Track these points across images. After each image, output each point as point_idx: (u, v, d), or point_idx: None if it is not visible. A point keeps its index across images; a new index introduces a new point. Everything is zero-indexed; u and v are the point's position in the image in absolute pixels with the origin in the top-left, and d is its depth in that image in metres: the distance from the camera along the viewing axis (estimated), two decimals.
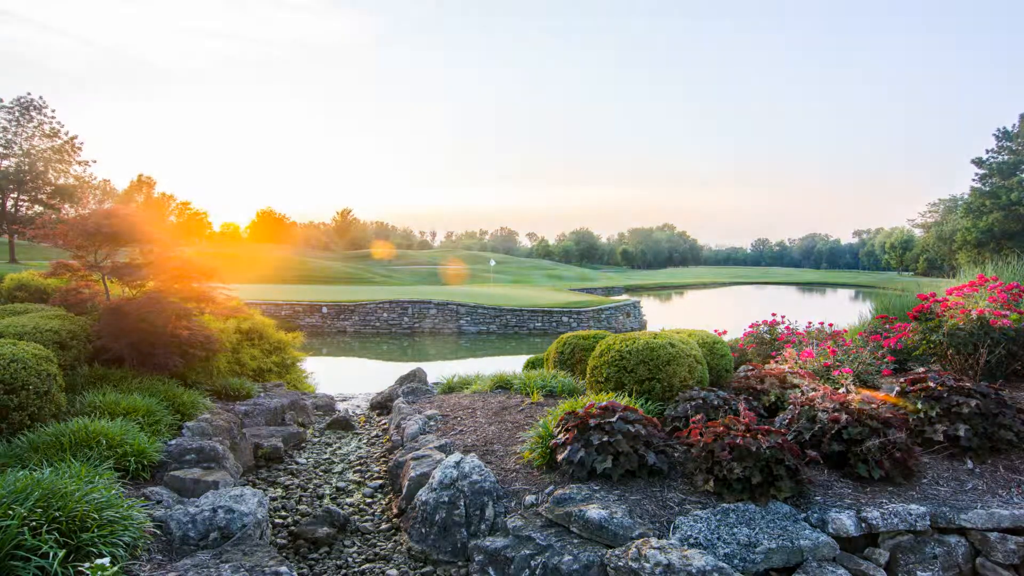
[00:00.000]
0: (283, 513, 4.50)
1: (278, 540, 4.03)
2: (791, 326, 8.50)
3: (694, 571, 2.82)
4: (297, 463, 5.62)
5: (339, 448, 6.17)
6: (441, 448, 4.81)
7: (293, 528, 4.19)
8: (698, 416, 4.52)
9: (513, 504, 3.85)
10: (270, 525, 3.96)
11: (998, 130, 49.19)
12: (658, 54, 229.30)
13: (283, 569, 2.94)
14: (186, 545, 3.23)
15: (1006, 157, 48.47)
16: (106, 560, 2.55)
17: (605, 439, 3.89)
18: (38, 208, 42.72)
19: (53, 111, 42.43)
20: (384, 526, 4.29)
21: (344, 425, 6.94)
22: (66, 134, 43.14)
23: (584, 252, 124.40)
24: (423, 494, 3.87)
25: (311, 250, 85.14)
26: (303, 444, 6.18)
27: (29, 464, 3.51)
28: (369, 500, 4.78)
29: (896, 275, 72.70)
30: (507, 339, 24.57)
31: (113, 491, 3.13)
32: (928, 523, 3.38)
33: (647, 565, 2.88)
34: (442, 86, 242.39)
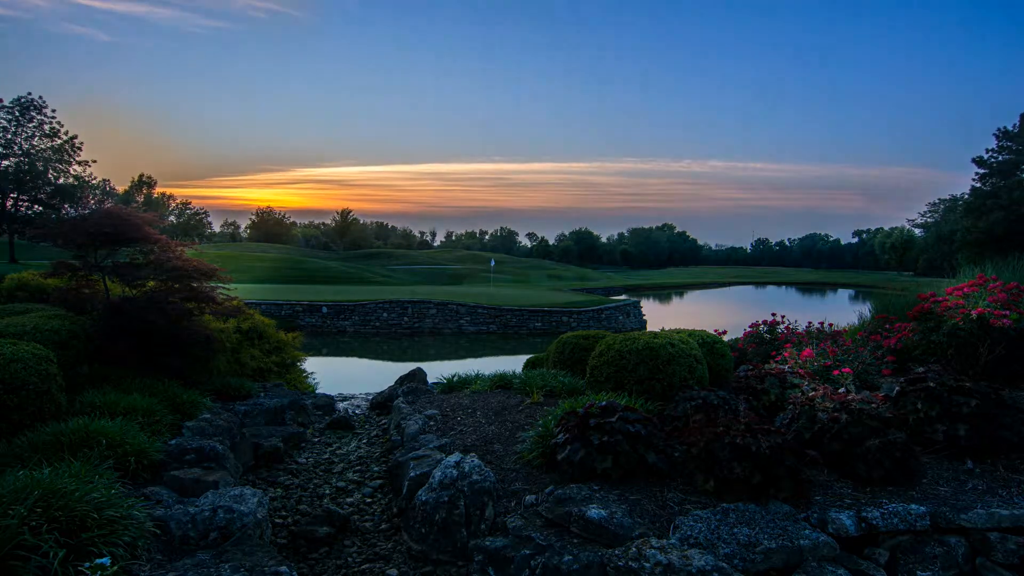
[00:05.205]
0: (283, 513, 4.50)
1: (278, 540, 4.03)
2: (791, 326, 8.52)
3: (694, 571, 2.82)
4: (297, 463, 5.62)
5: (339, 448, 6.17)
6: (441, 448, 4.81)
7: (293, 528, 4.19)
8: (698, 416, 4.53)
9: (513, 504, 3.85)
10: (270, 525, 3.95)
11: (998, 130, 49.19)
12: (655, 52, 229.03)
13: (283, 569, 2.94)
14: (186, 545, 3.23)
15: (1007, 156, 48.47)
16: (106, 560, 2.55)
17: (605, 439, 3.89)
18: (38, 208, 42.73)
19: (53, 111, 42.50)
20: (384, 526, 4.29)
21: (344, 425, 6.94)
22: (66, 134, 43.15)
23: (584, 252, 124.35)
24: (423, 494, 3.87)
25: (311, 250, 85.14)
26: (303, 444, 6.18)
27: (29, 464, 3.50)
28: (369, 500, 4.78)
29: (896, 275, 72.62)
30: (507, 339, 24.58)
31: (113, 491, 3.13)
32: (928, 523, 3.37)
33: (647, 565, 2.88)
34: (440, 80, 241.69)
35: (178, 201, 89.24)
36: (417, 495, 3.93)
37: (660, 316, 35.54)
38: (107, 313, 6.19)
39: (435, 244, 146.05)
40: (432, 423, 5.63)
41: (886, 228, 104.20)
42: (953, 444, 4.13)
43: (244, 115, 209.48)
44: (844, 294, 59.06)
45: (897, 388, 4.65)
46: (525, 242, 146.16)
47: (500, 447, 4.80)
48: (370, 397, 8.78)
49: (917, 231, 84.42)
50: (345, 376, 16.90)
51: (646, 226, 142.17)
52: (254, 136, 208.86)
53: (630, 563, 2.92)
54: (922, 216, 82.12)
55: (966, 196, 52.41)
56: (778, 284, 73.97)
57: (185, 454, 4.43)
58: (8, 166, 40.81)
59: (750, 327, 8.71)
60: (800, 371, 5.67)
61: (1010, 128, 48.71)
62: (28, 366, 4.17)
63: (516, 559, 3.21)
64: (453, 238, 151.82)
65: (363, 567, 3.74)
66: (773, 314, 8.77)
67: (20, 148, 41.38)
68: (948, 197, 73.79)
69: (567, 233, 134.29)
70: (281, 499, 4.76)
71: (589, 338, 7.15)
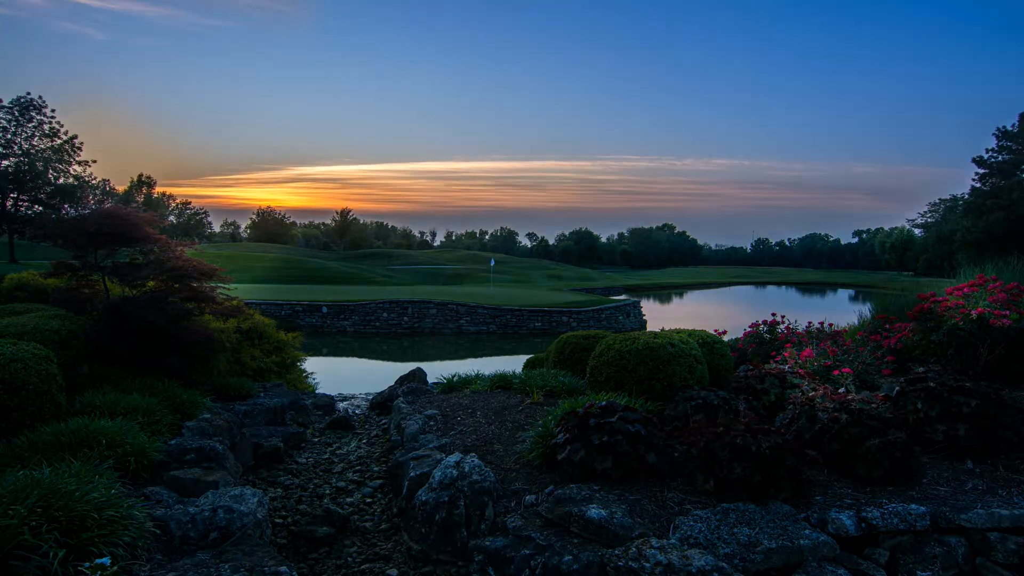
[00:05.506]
0: (283, 513, 4.50)
1: (278, 540, 4.03)
2: (791, 326, 8.51)
3: (694, 571, 2.82)
4: (297, 463, 5.62)
5: (339, 448, 6.17)
6: (441, 448, 4.81)
7: (293, 528, 4.19)
8: (698, 416, 4.53)
9: (513, 504, 3.85)
10: (270, 525, 3.95)
11: (998, 129, 49.21)
12: (652, 52, 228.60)
13: (283, 569, 2.94)
14: (186, 545, 3.22)
15: (1006, 156, 48.48)
16: (106, 560, 2.55)
17: (605, 439, 3.89)
18: (38, 208, 42.74)
19: (52, 111, 42.49)
20: (384, 526, 4.29)
21: (344, 425, 6.94)
22: (65, 134, 43.15)
23: (584, 252, 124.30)
24: (423, 494, 3.87)
25: (311, 250, 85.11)
26: (303, 444, 6.18)
27: (29, 464, 3.50)
28: (369, 500, 4.78)
29: (896, 275, 72.58)
30: (507, 339, 24.58)
31: (113, 491, 3.12)
32: (928, 523, 3.37)
33: (647, 565, 2.88)
34: (440, 79, 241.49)
35: (178, 201, 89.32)
36: (417, 495, 3.93)
37: (660, 316, 35.55)
38: (107, 313, 6.19)
39: (435, 244, 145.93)
40: (432, 423, 5.63)
41: (886, 228, 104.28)
42: (953, 444, 4.13)
43: (243, 114, 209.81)
44: (844, 294, 59.07)
45: (897, 388, 4.65)
46: (525, 242, 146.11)
47: (500, 447, 4.80)
48: (370, 397, 8.78)
49: (917, 231, 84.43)
50: (345, 376, 16.91)
51: (646, 226, 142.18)
52: (254, 135, 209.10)
53: (630, 563, 2.92)
54: (922, 216, 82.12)
55: (966, 196, 52.42)
56: (778, 284, 73.96)
57: (185, 454, 4.43)
58: (8, 166, 40.80)
59: (750, 327, 8.70)
60: (800, 371, 5.67)
61: (1009, 128, 48.73)
62: (28, 366, 4.17)
63: (516, 559, 3.21)
64: (453, 238, 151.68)
65: (363, 567, 3.74)
66: (773, 314, 8.77)
67: (20, 148, 41.39)
68: (948, 197, 73.91)
69: (567, 233, 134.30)
70: (281, 499, 4.75)
71: (589, 338, 7.15)
